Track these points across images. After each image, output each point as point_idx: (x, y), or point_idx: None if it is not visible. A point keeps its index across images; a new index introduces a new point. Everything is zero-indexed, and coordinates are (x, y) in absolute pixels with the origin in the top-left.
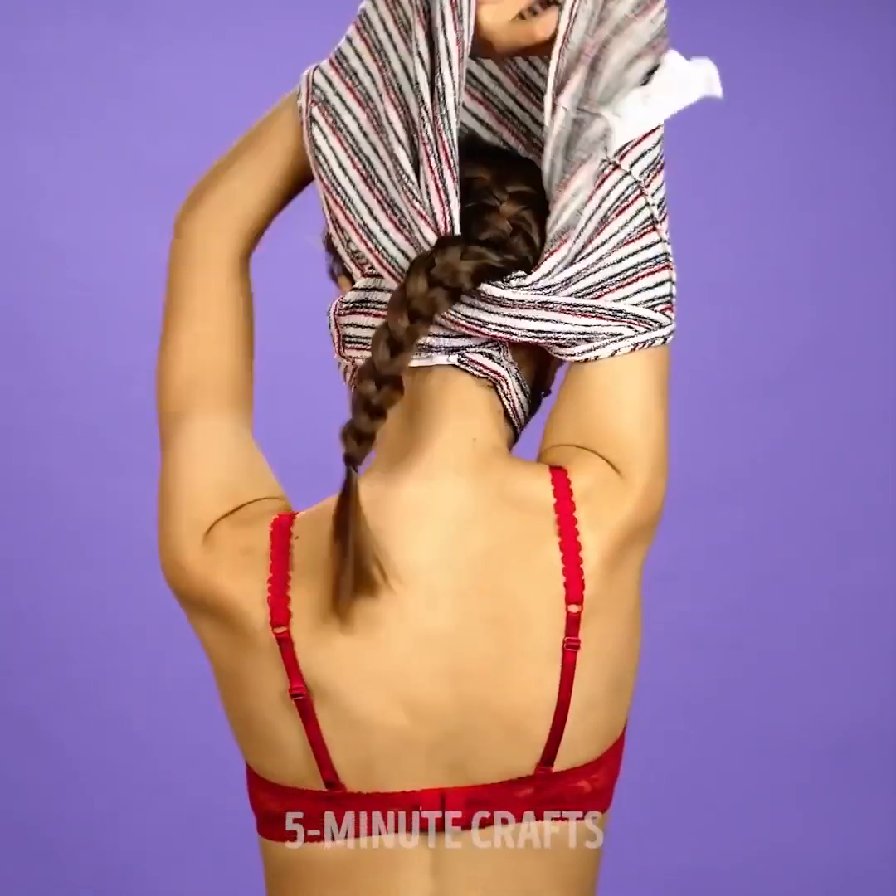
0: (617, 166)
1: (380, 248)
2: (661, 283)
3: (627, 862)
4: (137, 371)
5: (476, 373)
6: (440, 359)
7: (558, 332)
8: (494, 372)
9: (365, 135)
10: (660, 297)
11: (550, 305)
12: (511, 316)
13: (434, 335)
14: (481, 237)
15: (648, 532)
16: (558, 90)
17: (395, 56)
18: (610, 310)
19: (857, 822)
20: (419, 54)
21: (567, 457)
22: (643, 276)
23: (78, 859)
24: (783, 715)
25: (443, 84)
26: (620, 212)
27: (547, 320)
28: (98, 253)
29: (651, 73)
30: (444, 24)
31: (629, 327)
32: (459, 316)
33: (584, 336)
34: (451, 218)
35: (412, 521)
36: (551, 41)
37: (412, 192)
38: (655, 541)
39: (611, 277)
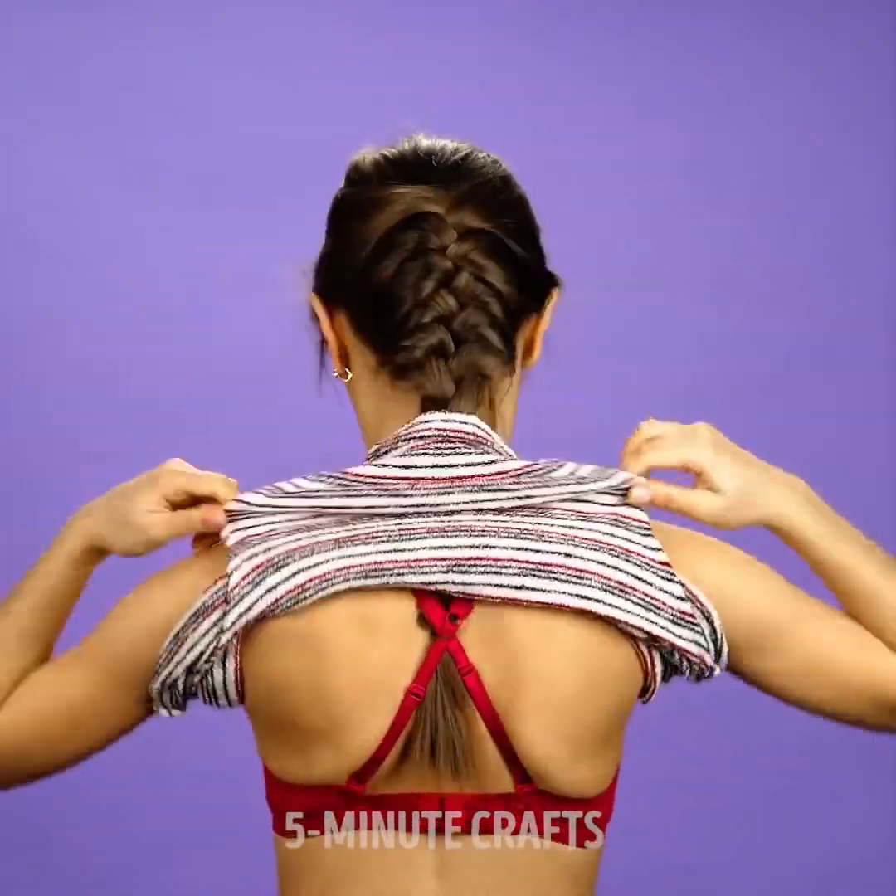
0: None
1: None
2: None
3: (623, 860)
4: (125, 369)
5: None
6: None
7: None
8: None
9: None
10: None
11: None
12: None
13: None
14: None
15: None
16: None
17: None
18: None
19: (855, 821)
20: None
21: None
22: None
23: (82, 858)
24: (781, 714)
25: None
26: None
27: None
28: (87, 249)
29: None
30: None
31: None
32: None
33: None
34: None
35: None
36: None
37: None
38: None
39: None
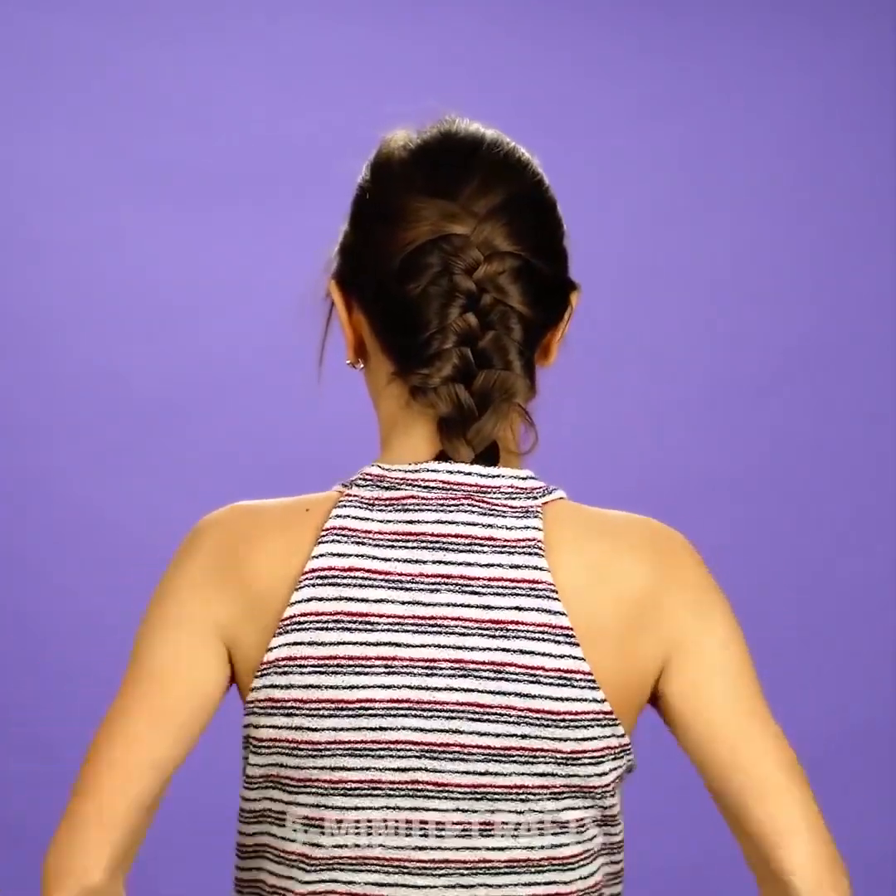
0: None
1: None
2: None
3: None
4: (126, 368)
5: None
6: None
7: None
8: None
9: None
10: None
11: None
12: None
13: None
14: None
15: None
16: None
17: None
18: None
19: (855, 821)
20: None
21: None
22: None
23: None
24: (781, 715)
25: None
26: None
27: None
28: (88, 249)
29: None
30: None
31: None
32: None
33: None
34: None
35: None
36: None
37: None
38: None
39: None
